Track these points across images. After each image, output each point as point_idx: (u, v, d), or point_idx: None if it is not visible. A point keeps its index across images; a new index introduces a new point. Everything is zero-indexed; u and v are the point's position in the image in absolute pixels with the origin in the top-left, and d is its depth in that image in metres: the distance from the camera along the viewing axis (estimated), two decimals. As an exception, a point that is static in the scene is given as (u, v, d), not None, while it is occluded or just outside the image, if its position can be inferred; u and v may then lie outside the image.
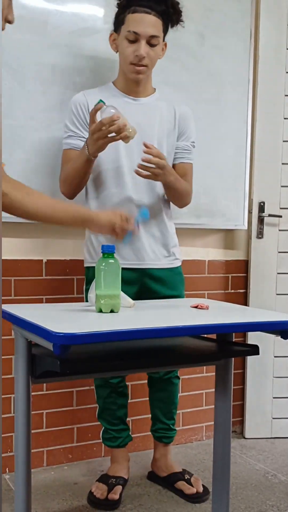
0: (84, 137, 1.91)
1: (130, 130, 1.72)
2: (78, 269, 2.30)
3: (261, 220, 2.62)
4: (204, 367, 2.60)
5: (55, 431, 2.31)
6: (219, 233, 2.62)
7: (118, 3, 1.90)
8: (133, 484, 2.16)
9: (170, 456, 2.20)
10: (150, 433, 2.31)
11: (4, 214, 2.08)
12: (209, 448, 2.48)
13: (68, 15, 2.16)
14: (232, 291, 2.71)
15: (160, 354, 1.42)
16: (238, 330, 1.41)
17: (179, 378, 2.19)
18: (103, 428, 2.12)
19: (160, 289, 2.00)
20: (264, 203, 2.62)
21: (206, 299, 1.97)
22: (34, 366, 1.28)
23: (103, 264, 1.34)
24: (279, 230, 2.65)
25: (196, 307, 1.49)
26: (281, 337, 1.36)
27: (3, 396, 2.16)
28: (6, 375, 2.12)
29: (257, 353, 1.51)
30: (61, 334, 1.04)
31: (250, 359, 2.66)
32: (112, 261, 1.35)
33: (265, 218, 2.62)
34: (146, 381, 2.21)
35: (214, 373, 1.65)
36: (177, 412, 2.23)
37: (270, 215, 2.62)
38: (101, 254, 1.36)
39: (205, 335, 1.63)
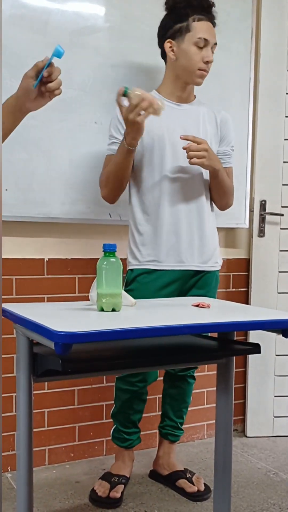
0: None
1: (160, 103, 1.74)
2: (79, 268, 2.30)
3: (262, 219, 2.62)
4: (206, 365, 2.60)
5: (56, 430, 2.31)
6: (221, 232, 2.61)
7: (174, 11, 1.95)
8: (135, 483, 2.16)
9: (174, 454, 2.20)
10: (152, 431, 2.32)
11: (4, 213, 2.09)
12: (211, 446, 2.49)
13: (69, 14, 2.16)
14: (234, 289, 2.71)
15: (162, 352, 1.42)
16: (240, 328, 1.41)
17: (194, 378, 2.20)
18: (115, 426, 2.12)
19: (196, 292, 2.03)
20: (265, 201, 2.61)
21: (208, 297, 1.97)
22: (35, 364, 1.28)
23: (105, 263, 1.34)
24: (281, 229, 2.65)
25: (197, 305, 1.49)
26: (283, 335, 1.36)
27: (5, 395, 2.16)
28: (7, 374, 2.13)
29: (259, 352, 1.50)
30: (62, 333, 1.04)
31: (251, 358, 2.67)
32: (114, 259, 1.35)
33: (266, 216, 2.62)
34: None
35: (215, 372, 1.65)
36: (179, 410, 2.23)
37: (271, 214, 2.62)
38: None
39: (207, 334, 1.63)
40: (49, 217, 2.20)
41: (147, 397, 2.14)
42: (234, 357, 1.63)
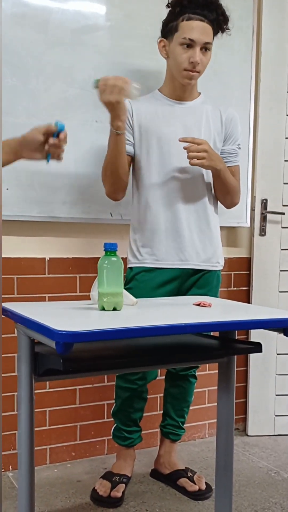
0: (128, 140, 1.95)
1: (133, 85, 1.73)
2: (80, 267, 2.30)
3: (263, 218, 2.61)
4: (207, 364, 2.60)
5: (58, 429, 2.31)
6: (222, 231, 2.59)
7: (170, 11, 1.93)
8: (136, 482, 2.16)
9: (175, 453, 2.20)
10: (154, 430, 2.32)
11: (6, 212, 2.09)
12: (212, 445, 2.48)
13: (70, 12, 2.16)
14: (235, 288, 2.70)
15: (163, 352, 1.42)
16: (241, 327, 1.41)
17: (196, 378, 2.20)
18: (115, 425, 2.12)
19: (196, 292, 2.02)
20: (266, 200, 2.61)
21: (209, 296, 1.97)
22: (37, 364, 1.28)
23: (106, 262, 1.34)
24: (282, 227, 2.65)
25: (198, 304, 1.49)
26: (284, 334, 1.36)
27: (6, 394, 2.16)
28: (9, 373, 2.13)
29: (260, 351, 1.50)
30: (63, 332, 1.04)
31: (253, 357, 2.66)
32: (115, 259, 1.35)
33: (267, 215, 2.62)
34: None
35: (216, 371, 1.65)
36: (180, 409, 2.23)
37: (272, 212, 2.61)
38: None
39: (208, 333, 1.63)
40: (50, 216, 2.20)
41: (148, 396, 2.14)
42: (235, 356, 1.63)
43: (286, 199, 2.64)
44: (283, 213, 2.63)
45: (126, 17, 2.26)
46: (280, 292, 2.66)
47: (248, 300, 2.69)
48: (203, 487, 2.07)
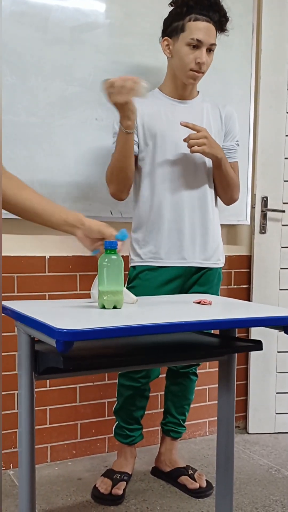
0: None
1: (141, 83, 1.73)
2: (81, 266, 2.30)
3: (264, 215, 2.61)
4: (207, 362, 2.60)
5: (58, 427, 2.31)
6: (222, 229, 2.60)
7: (176, 11, 1.93)
8: (137, 480, 2.16)
9: (176, 451, 2.20)
10: (155, 428, 2.32)
11: (6, 211, 2.09)
12: (213, 443, 2.49)
13: (70, 10, 2.15)
14: (235, 286, 2.70)
15: (163, 350, 1.42)
16: (241, 325, 1.41)
17: (196, 375, 2.20)
18: (117, 423, 2.12)
19: (198, 289, 2.03)
20: (267, 198, 2.61)
21: (209, 294, 1.97)
22: (37, 362, 1.28)
23: (106, 260, 1.34)
24: (282, 225, 2.65)
25: (199, 302, 1.49)
26: (284, 332, 1.36)
27: (7, 393, 2.16)
28: (9, 372, 2.13)
29: (261, 349, 1.50)
30: (64, 331, 1.04)
31: (253, 355, 2.66)
32: (115, 257, 1.35)
33: (268, 213, 2.61)
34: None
35: (217, 369, 1.65)
36: (181, 407, 2.24)
37: (273, 210, 2.61)
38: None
39: (208, 331, 1.63)
40: (50, 215, 2.19)
41: (150, 394, 2.14)
42: (236, 354, 1.63)
43: (287, 197, 2.63)
44: (284, 211, 2.62)
45: (125, 15, 2.26)
46: (280, 290, 2.66)
47: (248, 298, 2.69)
48: (204, 484, 2.07)
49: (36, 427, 2.21)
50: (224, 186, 2.05)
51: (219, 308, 1.47)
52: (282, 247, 2.66)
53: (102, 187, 2.25)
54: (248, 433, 2.68)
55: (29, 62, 2.11)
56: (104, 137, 2.23)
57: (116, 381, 2.13)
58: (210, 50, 1.94)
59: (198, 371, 2.23)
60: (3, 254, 2.16)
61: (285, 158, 2.62)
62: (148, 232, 1.99)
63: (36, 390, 1.32)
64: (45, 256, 2.24)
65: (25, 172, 2.13)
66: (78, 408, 2.35)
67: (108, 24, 2.23)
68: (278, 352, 2.68)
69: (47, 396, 2.28)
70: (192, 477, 2.09)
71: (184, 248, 1.99)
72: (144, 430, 2.17)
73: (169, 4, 1.98)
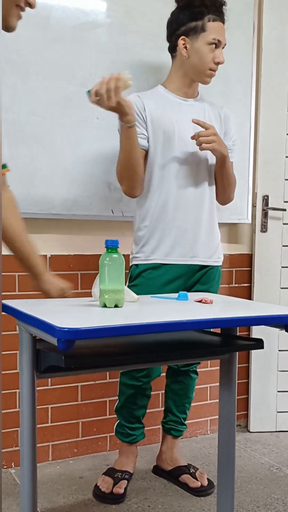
0: (142, 134, 1.94)
1: (127, 75, 1.71)
2: (82, 264, 2.30)
3: (265, 214, 2.61)
4: (209, 361, 2.60)
5: (60, 426, 2.32)
6: (223, 227, 2.61)
7: (193, 10, 1.93)
8: (138, 478, 2.17)
9: (177, 450, 2.20)
10: (156, 427, 2.31)
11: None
12: (214, 442, 2.49)
13: (70, 9, 2.15)
14: (236, 285, 2.70)
15: (165, 348, 1.42)
16: (243, 324, 1.40)
17: (197, 374, 2.20)
18: (118, 421, 2.13)
19: (199, 288, 2.03)
20: (268, 196, 2.61)
21: (210, 293, 1.97)
22: (38, 361, 1.28)
23: (107, 259, 1.34)
24: (283, 224, 2.65)
25: (200, 301, 1.49)
26: (286, 330, 1.36)
27: (8, 391, 2.17)
28: (11, 370, 2.13)
29: (262, 347, 1.50)
30: (65, 329, 1.04)
31: (254, 353, 2.66)
32: (116, 255, 1.35)
33: (269, 211, 2.61)
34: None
35: (218, 367, 1.65)
36: (182, 406, 2.24)
37: (274, 209, 2.61)
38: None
39: (209, 329, 1.63)
40: (51, 213, 2.20)
41: (151, 393, 2.14)
42: (237, 352, 1.63)
43: (288, 195, 2.64)
44: (285, 210, 2.62)
45: (126, 13, 2.26)
46: (281, 288, 2.66)
47: (249, 297, 2.69)
48: (205, 483, 2.07)
49: (38, 426, 2.21)
50: (225, 184, 2.06)
51: (220, 306, 1.47)
52: (283, 246, 2.65)
53: (103, 186, 2.25)
54: (250, 432, 2.68)
55: (30, 61, 2.11)
56: (105, 136, 2.23)
57: (118, 379, 2.13)
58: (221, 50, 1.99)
59: (199, 370, 2.24)
60: (4, 253, 2.16)
61: (286, 157, 2.62)
62: (152, 229, 1.99)
63: (37, 388, 1.32)
64: (46, 255, 2.24)
65: (26, 171, 2.13)
66: (79, 407, 2.35)
67: (108, 23, 2.23)
68: (279, 350, 2.68)
69: (48, 394, 2.28)
70: (193, 475, 2.09)
71: (188, 246, 1.99)
72: (145, 428, 2.17)
73: (178, 2, 1.97)
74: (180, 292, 1.55)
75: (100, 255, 1.37)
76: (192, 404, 2.28)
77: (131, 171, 1.92)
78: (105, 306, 1.33)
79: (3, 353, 2.11)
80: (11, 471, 2.19)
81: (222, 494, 1.66)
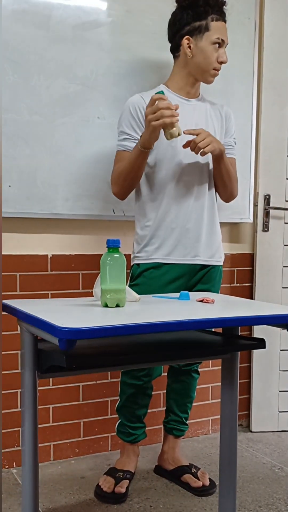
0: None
1: (177, 128, 1.75)
2: (83, 264, 2.30)
3: (266, 213, 2.61)
4: (210, 361, 2.60)
5: (62, 426, 2.31)
6: (225, 227, 2.61)
7: (196, 10, 1.93)
8: (140, 478, 2.16)
9: (178, 449, 2.20)
10: (157, 427, 2.31)
11: (8, 209, 2.09)
12: (216, 441, 2.49)
13: (72, 8, 2.15)
14: (238, 284, 2.70)
15: (166, 348, 1.42)
16: (244, 323, 1.40)
17: (198, 373, 2.20)
18: (119, 421, 2.13)
19: (201, 287, 2.03)
20: (269, 196, 2.60)
21: (212, 293, 1.97)
22: (40, 361, 1.28)
23: (108, 258, 1.34)
24: (285, 223, 2.64)
25: (201, 301, 1.49)
26: (287, 330, 1.36)
27: (10, 391, 2.17)
28: (12, 370, 2.13)
29: (263, 347, 1.50)
30: (66, 329, 1.04)
31: (256, 353, 2.66)
32: (117, 255, 1.35)
33: (270, 211, 2.61)
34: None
35: (220, 367, 1.65)
36: (184, 406, 2.23)
37: (275, 208, 2.61)
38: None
39: (211, 329, 1.63)
40: (52, 213, 2.19)
41: (153, 392, 2.14)
42: (239, 352, 1.63)
43: (289, 195, 2.63)
44: (286, 209, 2.62)
45: (127, 12, 2.25)
46: (283, 288, 2.66)
47: (251, 296, 2.69)
48: (207, 483, 2.07)
49: (39, 426, 2.22)
50: (225, 180, 2.04)
51: (222, 306, 1.47)
52: (285, 245, 2.65)
53: (104, 186, 2.25)
54: (251, 431, 2.68)
55: (31, 61, 2.11)
56: (106, 136, 2.23)
57: (119, 379, 2.13)
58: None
59: (201, 370, 2.24)
60: (5, 253, 2.16)
61: (288, 156, 2.62)
62: (155, 228, 1.99)
63: (39, 388, 1.32)
64: (47, 255, 2.24)
65: (28, 171, 2.13)
66: (81, 407, 2.35)
67: (110, 22, 2.23)
68: (281, 350, 2.67)
69: (50, 394, 2.28)
70: (195, 475, 2.09)
71: (190, 246, 1.99)
72: (147, 428, 2.17)
73: (180, 2, 1.96)
74: (182, 291, 1.55)
75: (102, 254, 1.36)
76: (194, 404, 2.28)
77: (129, 183, 1.95)
78: (106, 305, 1.33)
79: (4, 353, 2.11)
80: (12, 471, 2.19)
81: (223, 494, 1.66)
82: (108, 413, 2.40)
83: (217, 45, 1.95)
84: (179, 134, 1.76)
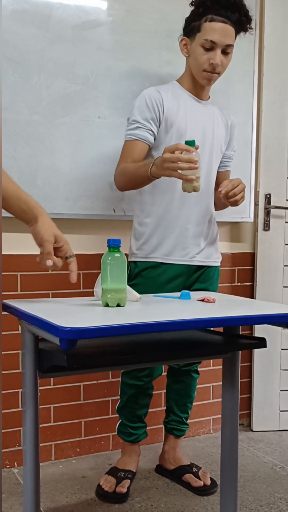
0: (152, 131, 1.91)
1: (197, 184, 1.64)
2: (84, 264, 2.30)
3: (267, 212, 2.61)
4: (211, 360, 2.60)
5: (63, 425, 2.32)
6: (225, 226, 2.61)
7: (193, 10, 1.91)
8: (141, 477, 2.16)
9: (179, 449, 2.20)
10: (158, 426, 2.31)
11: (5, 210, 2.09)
12: (217, 441, 2.49)
13: (72, 8, 2.15)
14: (239, 284, 2.70)
15: (167, 347, 1.41)
16: (245, 323, 1.40)
17: (198, 373, 2.20)
18: (120, 421, 2.13)
19: (199, 286, 2.04)
20: (270, 195, 2.60)
21: (212, 292, 1.97)
22: (41, 360, 1.28)
23: (109, 258, 1.34)
24: (286, 222, 2.64)
25: (202, 300, 1.49)
26: (288, 329, 1.36)
27: (11, 391, 2.17)
28: (13, 370, 2.13)
29: (264, 346, 1.50)
30: (67, 329, 1.04)
31: (257, 352, 2.66)
32: (118, 255, 1.35)
33: (271, 210, 2.61)
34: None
35: (221, 366, 1.65)
36: (185, 405, 2.23)
37: (276, 207, 2.61)
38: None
39: (212, 329, 1.62)
40: (53, 213, 2.19)
41: (153, 392, 2.14)
42: (240, 351, 1.63)
43: (290, 194, 2.63)
44: (287, 208, 2.62)
45: (127, 12, 2.25)
46: (284, 287, 2.66)
47: (252, 296, 2.69)
48: (208, 482, 2.07)
49: (40, 425, 2.22)
50: (222, 208, 2.12)
51: (223, 305, 1.47)
52: (285, 244, 2.65)
53: (105, 185, 2.25)
54: (252, 431, 2.68)
55: (31, 60, 2.11)
56: (106, 135, 2.23)
57: (120, 378, 2.13)
58: (226, 51, 1.90)
59: (201, 369, 2.24)
60: (6, 253, 2.16)
61: (288, 155, 2.62)
62: (155, 226, 1.98)
63: (40, 388, 1.32)
64: (48, 255, 2.24)
65: (28, 170, 2.13)
66: (82, 406, 2.35)
67: (110, 22, 2.23)
68: (282, 349, 2.67)
69: (51, 394, 2.28)
70: (196, 475, 2.09)
71: (188, 246, 1.99)
72: (148, 428, 2.17)
73: (190, 3, 1.95)
74: (183, 291, 1.55)
75: (102, 254, 1.36)
76: (195, 403, 2.28)
77: (131, 186, 1.93)
78: (107, 305, 1.33)
79: (5, 352, 2.11)
80: (14, 470, 2.19)
81: (225, 493, 1.66)
82: (109, 412, 2.40)
83: (207, 46, 1.87)
84: (195, 191, 1.66)
